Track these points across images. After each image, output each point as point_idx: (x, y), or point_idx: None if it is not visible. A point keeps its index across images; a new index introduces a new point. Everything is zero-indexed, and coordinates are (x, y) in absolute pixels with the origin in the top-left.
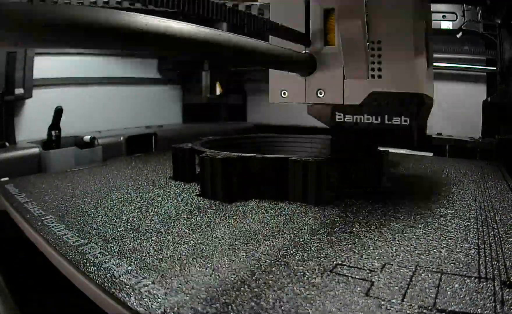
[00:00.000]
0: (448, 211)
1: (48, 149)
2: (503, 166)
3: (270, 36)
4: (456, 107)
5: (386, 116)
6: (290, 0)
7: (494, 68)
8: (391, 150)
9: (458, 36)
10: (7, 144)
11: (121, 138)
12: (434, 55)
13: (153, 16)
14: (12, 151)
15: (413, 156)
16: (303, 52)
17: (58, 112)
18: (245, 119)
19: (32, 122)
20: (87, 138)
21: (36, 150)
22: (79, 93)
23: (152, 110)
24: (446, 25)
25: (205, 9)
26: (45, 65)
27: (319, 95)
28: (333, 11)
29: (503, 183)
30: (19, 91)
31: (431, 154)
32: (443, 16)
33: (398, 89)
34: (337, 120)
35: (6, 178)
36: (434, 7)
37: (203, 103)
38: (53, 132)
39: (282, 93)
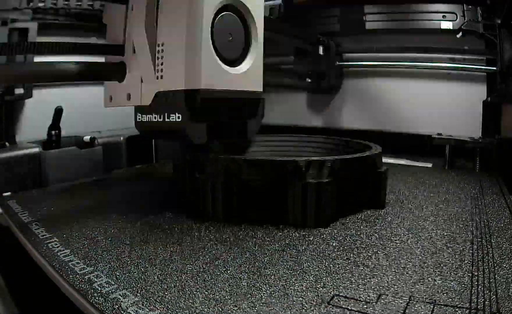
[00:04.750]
0: (445, 234)
1: (48, 149)
2: (502, 178)
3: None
4: (456, 107)
5: (165, 114)
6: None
7: (494, 68)
8: (390, 160)
9: (458, 36)
10: (7, 144)
11: (121, 138)
12: (434, 55)
13: None
14: (12, 151)
15: (412, 167)
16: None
17: (58, 112)
18: None
19: (32, 122)
20: (87, 138)
21: (36, 150)
22: (79, 93)
23: None
24: (446, 25)
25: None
26: None
27: (128, 98)
28: None
29: (501, 199)
30: (19, 91)
31: (430, 165)
32: (443, 16)
33: (174, 87)
34: (136, 119)
35: (8, 193)
36: (434, 7)
37: None
38: (53, 132)
39: (110, 98)
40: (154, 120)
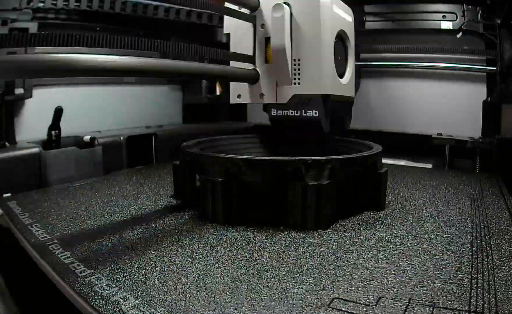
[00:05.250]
0: (445, 235)
1: (48, 149)
2: (502, 178)
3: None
4: (456, 107)
5: (303, 110)
6: (244, 32)
7: (494, 68)
8: (390, 161)
9: (458, 36)
10: (7, 144)
11: (121, 138)
12: (434, 55)
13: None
14: (12, 151)
15: (411, 168)
16: (251, 68)
17: (58, 112)
18: (245, 119)
19: (32, 122)
20: (87, 138)
21: (36, 150)
22: (79, 93)
23: (152, 110)
24: (446, 25)
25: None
26: None
27: (260, 97)
28: (269, 39)
29: (501, 200)
30: (19, 91)
31: (429, 166)
32: (443, 16)
33: (311, 91)
34: (271, 114)
35: (9, 194)
36: (434, 7)
37: (203, 103)
38: (53, 132)
39: (237, 96)
40: (291, 114)
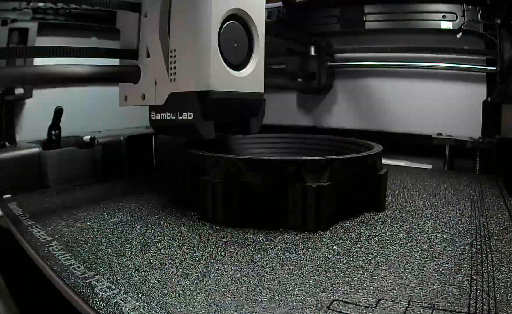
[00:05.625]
0: (444, 237)
1: (48, 149)
2: (502, 178)
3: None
4: (456, 107)
5: (178, 112)
6: (130, 25)
7: (494, 68)
8: (390, 162)
9: (458, 36)
10: (7, 144)
11: (121, 138)
12: (434, 55)
13: None
14: (12, 151)
15: (411, 169)
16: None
17: (58, 112)
18: None
19: (32, 122)
20: (87, 138)
21: (36, 150)
22: (79, 93)
23: None
24: (446, 25)
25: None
26: None
27: (142, 98)
28: None
29: (501, 201)
30: (19, 91)
31: (429, 166)
32: (443, 16)
33: (186, 88)
34: (151, 117)
35: (9, 195)
36: (434, 7)
37: None
38: (53, 132)
39: (124, 98)
40: (167, 118)
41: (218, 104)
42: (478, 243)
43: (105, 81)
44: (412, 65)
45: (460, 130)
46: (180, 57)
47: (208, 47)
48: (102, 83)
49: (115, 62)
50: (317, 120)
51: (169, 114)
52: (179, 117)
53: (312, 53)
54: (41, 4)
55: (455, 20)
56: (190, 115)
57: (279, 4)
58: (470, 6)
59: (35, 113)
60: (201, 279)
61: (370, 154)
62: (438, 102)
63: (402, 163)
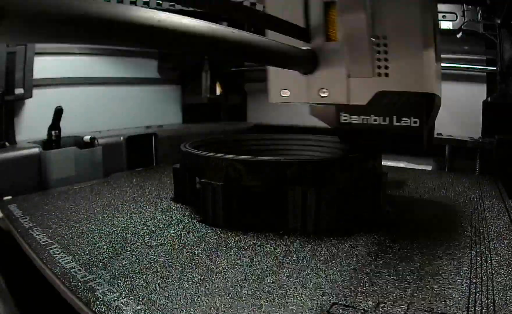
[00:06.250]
0: (444, 240)
1: (48, 149)
2: (501, 178)
3: (266, 31)
4: (456, 107)
5: (395, 117)
6: None
7: (494, 68)
8: (389, 163)
9: (458, 36)
10: (7, 144)
11: (121, 138)
12: None
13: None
14: (12, 151)
15: (411, 170)
16: (304, 48)
17: (58, 112)
18: (245, 119)
19: (32, 122)
20: (87, 138)
21: (36, 150)
22: (79, 93)
23: (152, 110)
24: (446, 25)
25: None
26: (45, 65)
27: (321, 94)
28: (334, 3)
29: (500, 204)
30: (19, 91)
31: (429, 168)
32: (443, 16)
33: (407, 89)
34: (342, 121)
35: (9, 197)
36: None
37: (203, 103)
38: (53, 132)
39: (283, 92)
40: (374, 122)
41: (435, 109)
42: (477, 246)
43: (272, 64)
44: None
45: (460, 130)
46: (394, 48)
47: (431, 43)
48: (269, 64)
49: None
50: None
51: (378, 118)
52: (396, 123)
53: None
54: None
55: (455, 20)
56: (415, 122)
57: None
58: (470, 6)
59: (35, 113)
60: (201, 282)
61: (371, 157)
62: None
63: (402, 164)
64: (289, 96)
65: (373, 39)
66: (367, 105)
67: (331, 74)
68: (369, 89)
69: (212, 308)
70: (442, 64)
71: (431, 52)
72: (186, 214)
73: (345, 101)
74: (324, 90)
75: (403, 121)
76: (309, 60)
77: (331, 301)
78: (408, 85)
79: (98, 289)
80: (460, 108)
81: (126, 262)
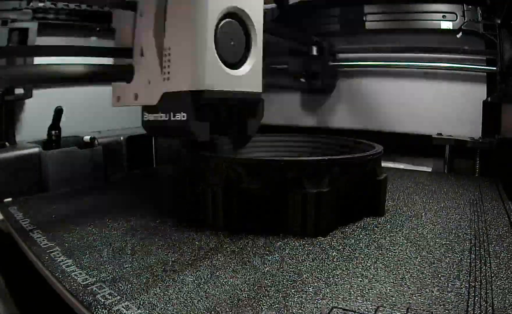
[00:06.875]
0: (443, 243)
1: (48, 149)
2: (501, 178)
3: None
4: (456, 107)
5: (172, 113)
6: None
7: (494, 68)
8: (389, 164)
9: (458, 36)
10: (7, 144)
11: (121, 138)
12: (434, 55)
13: None
14: (12, 151)
15: (411, 171)
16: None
17: (58, 112)
18: None
19: (32, 122)
20: (87, 138)
21: (36, 150)
22: (79, 93)
23: None
24: (446, 25)
25: None
26: None
27: (135, 98)
28: None
29: (500, 205)
30: (19, 91)
31: (429, 169)
32: (443, 16)
33: (180, 88)
34: (144, 119)
35: (9, 199)
36: (434, 7)
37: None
38: (53, 132)
39: (117, 98)
40: (160, 119)
41: (213, 104)
42: (477, 248)
43: (99, 80)
44: (412, 65)
45: (460, 130)
46: (174, 56)
47: (204, 45)
48: (97, 82)
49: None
50: (318, 120)
51: (162, 114)
52: (172, 118)
53: (314, 53)
54: (41, 4)
55: (455, 20)
56: (184, 116)
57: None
58: (470, 6)
59: (35, 113)
60: (201, 286)
61: (370, 159)
62: (438, 102)
63: (401, 166)
64: (119, 101)
65: (164, 51)
66: (156, 105)
67: (139, 81)
68: (158, 91)
69: (212, 311)
70: (442, 64)
71: (201, 57)
72: (186, 216)
73: (147, 103)
74: (136, 94)
75: (177, 116)
76: (128, 72)
77: (331, 304)
78: (180, 85)
79: (99, 293)
80: (460, 108)
81: (126, 265)
